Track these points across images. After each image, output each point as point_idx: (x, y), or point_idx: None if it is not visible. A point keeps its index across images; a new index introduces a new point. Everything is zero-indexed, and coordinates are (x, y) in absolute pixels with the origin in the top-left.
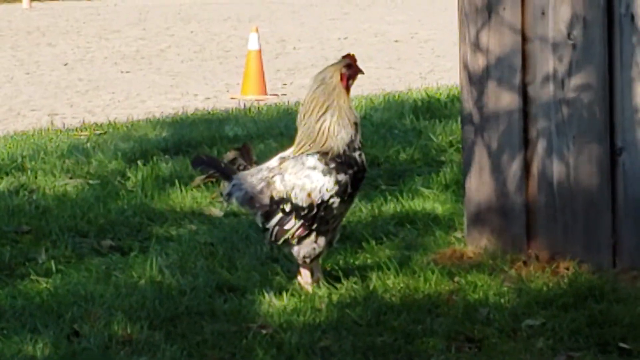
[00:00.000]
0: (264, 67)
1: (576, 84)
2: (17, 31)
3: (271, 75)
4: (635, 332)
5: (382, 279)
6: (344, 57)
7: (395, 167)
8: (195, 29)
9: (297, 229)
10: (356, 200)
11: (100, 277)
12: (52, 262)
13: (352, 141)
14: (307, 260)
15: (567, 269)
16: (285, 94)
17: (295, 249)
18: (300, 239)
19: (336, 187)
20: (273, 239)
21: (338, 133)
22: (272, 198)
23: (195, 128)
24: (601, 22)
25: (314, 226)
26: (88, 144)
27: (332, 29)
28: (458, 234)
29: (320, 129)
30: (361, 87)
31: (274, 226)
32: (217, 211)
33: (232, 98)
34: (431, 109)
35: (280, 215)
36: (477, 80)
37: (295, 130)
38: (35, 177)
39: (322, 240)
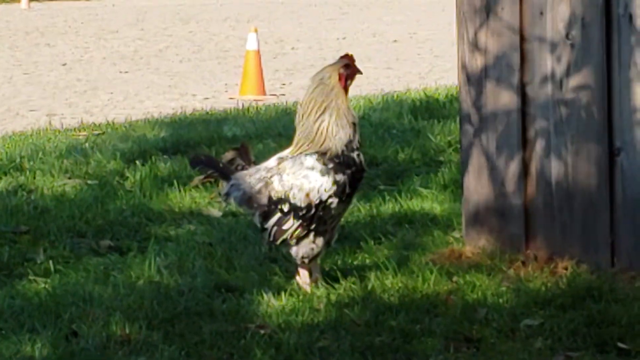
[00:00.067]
0: (263, 68)
1: (574, 84)
2: (16, 31)
3: (270, 75)
4: (633, 332)
5: (381, 279)
6: (342, 58)
7: (394, 167)
8: (193, 29)
9: (296, 229)
10: (354, 200)
11: (99, 277)
12: (51, 262)
13: (350, 141)
14: (306, 260)
15: (566, 269)
16: (283, 94)
17: (294, 249)
18: (299, 239)
19: (334, 187)
20: (271, 239)
21: (336, 133)
22: (270, 198)
23: (193, 128)
24: (599, 23)
25: (312, 226)
26: (86, 144)
27: (330, 29)
28: (456, 234)
29: (318, 129)
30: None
31: (272, 226)
32: (215, 211)
33: (230, 98)
34: (430, 109)
35: (278, 215)
36: (475, 80)
37: (294, 130)
38: (34, 177)
39: (320, 241)
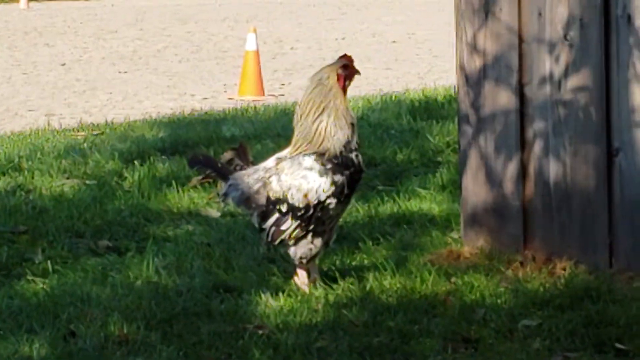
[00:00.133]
0: (262, 68)
1: (573, 85)
2: (15, 31)
3: (269, 75)
4: (631, 333)
5: (379, 280)
6: (340, 58)
7: (392, 167)
8: (192, 29)
9: (294, 230)
10: (353, 200)
11: (97, 277)
12: (49, 263)
13: (348, 142)
14: (304, 260)
15: (564, 269)
16: (282, 95)
17: (292, 250)
18: (297, 240)
19: (333, 188)
20: (269, 239)
21: (335, 134)
22: (268, 198)
23: (192, 128)
24: (598, 23)
25: (311, 227)
26: (85, 144)
27: (329, 30)
28: (455, 235)
29: (316, 129)
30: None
31: (271, 227)
32: (213, 212)
33: (229, 98)
34: (428, 109)
35: (276, 215)
36: (474, 81)
37: (292, 131)
38: (32, 177)
39: (318, 241)
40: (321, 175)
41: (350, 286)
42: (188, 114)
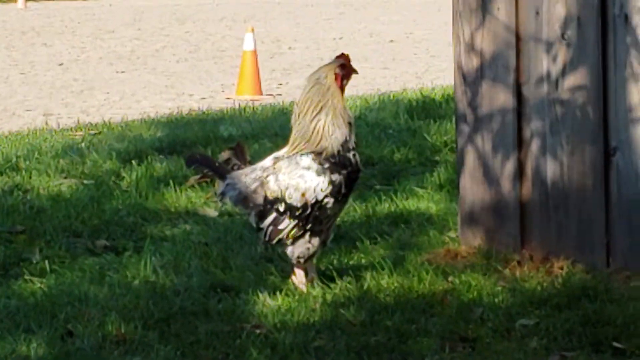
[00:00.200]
0: (259, 68)
1: (570, 84)
2: (12, 31)
3: (266, 75)
4: (628, 332)
5: (376, 279)
6: (337, 57)
7: (390, 167)
8: (190, 29)
9: (292, 229)
10: (350, 200)
11: (94, 277)
12: (46, 262)
13: (346, 141)
14: (301, 260)
15: (561, 268)
16: (280, 94)
17: (290, 249)
18: (295, 239)
19: (330, 187)
20: (267, 238)
21: (332, 133)
22: (266, 198)
23: (189, 128)
24: (595, 22)
25: (308, 226)
26: (82, 144)
27: (327, 29)
28: (452, 234)
29: (314, 128)
30: (356, 87)
31: (268, 226)
32: (211, 211)
33: (227, 98)
34: (426, 109)
35: (274, 215)
36: (471, 80)
37: (290, 130)
38: (30, 177)
39: (316, 240)
40: (319, 174)
41: (348, 285)
42: (186, 114)
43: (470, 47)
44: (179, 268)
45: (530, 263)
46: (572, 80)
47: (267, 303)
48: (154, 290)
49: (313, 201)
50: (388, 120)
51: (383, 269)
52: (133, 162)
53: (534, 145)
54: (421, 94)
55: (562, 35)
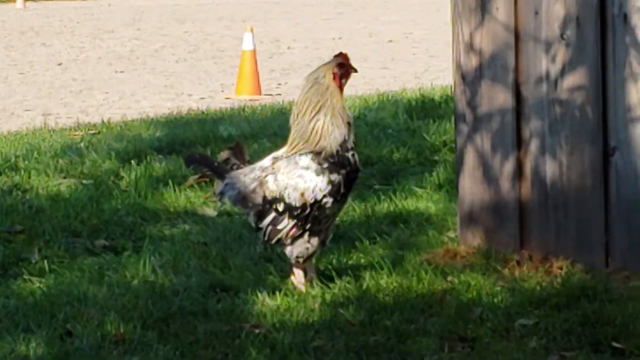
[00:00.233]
0: (259, 67)
1: (569, 84)
2: (11, 31)
3: (265, 75)
4: (627, 332)
5: (376, 279)
6: (336, 56)
7: (389, 166)
8: (189, 29)
9: (291, 229)
10: (349, 199)
11: (94, 277)
12: (45, 262)
13: (345, 141)
14: (300, 260)
15: (560, 268)
16: (279, 94)
17: (288, 249)
18: (294, 239)
19: (329, 187)
20: (266, 238)
21: (331, 132)
22: (265, 197)
23: (189, 128)
24: (594, 22)
25: (307, 226)
26: (82, 144)
27: (326, 29)
28: (451, 234)
29: (313, 128)
30: (355, 87)
31: (267, 226)
32: (210, 211)
33: (226, 98)
34: (425, 108)
35: (273, 214)
36: (470, 80)
37: (289, 130)
38: (29, 177)
39: (315, 240)
40: (318, 174)
41: (347, 285)
42: (185, 114)
43: (470, 47)
44: (178, 268)
45: (530, 263)
46: (571, 80)
47: (266, 303)
48: (153, 290)
49: (312, 201)
50: (387, 120)
51: (382, 268)
52: (132, 162)
53: (533, 145)
54: (420, 93)
55: (561, 35)
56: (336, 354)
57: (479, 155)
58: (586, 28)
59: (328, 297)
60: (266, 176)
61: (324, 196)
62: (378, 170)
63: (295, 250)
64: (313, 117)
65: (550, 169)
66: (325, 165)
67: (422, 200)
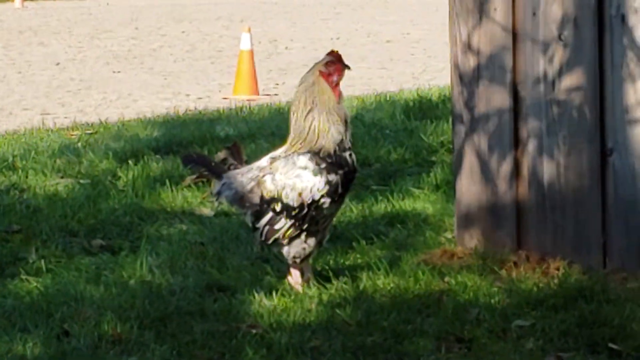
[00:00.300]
0: (256, 67)
1: (567, 85)
2: (9, 31)
3: (263, 75)
4: (624, 333)
5: (372, 279)
6: (327, 54)
7: (386, 167)
8: (187, 29)
9: (288, 229)
10: (347, 200)
11: (91, 276)
12: (43, 262)
13: (342, 140)
14: (297, 260)
15: (557, 269)
16: (277, 94)
17: (285, 249)
18: (291, 239)
19: (327, 187)
20: (263, 238)
21: (328, 130)
22: (262, 197)
23: (186, 128)
24: (592, 23)
25: (305, 226)
26: (79, 144)
27: (324, 29)
28: (448, 234)
29: (309, 127)
30: (353, 87)
31: (264, 226)
32: (207, 211)
33: (224, 98)
34: (422, 109)
35: (270, 214)
36: (468, 81)
37: (287, 130)
38: (26, 177)
39: (312, 241)
40: (315, 174)
41: (344, 286)
42: (182, 114)
43: (467, 48)
44: (175, 268)
45: (527, 264)
46: (569, 80)
47: (263, 303)
48: (150, 290)
49: (310, 201)
50: (385, 121)
51: (379, 269)
52: (129, 161)
53: (531, 146)
54: (418, 94)
55: (559, 36)
56: (333, 354)
57: (477, 155)
58: (584, 29)
59: (325, 297)
60: (264, 176)
61: (322, 196)
62: (375, 171)
63: (292, 250)
64: (307, 116)
65: (547, 169)
66: (323, 165)
67: (420, 201)
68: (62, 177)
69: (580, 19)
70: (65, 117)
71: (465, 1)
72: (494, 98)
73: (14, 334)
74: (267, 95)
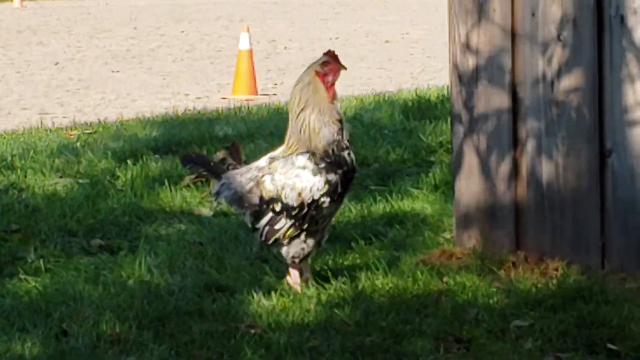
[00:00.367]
0: (255, 67)
1: (566, 85)
2: (8, 30)
3: (262, 75)
4: (623, 333)
5: (371, 279)
6: (324, 54)
7: (385, 167)
8: (186, 29)
9: (288, 229)
10: (345, 200)
11: (89, 276)
12: (41, 261)
13: (336, 139)
14: (296, 260)
15: (556, 270)
16: (275, 94)
17: (285, 249)
18: (290, 239)
19: (326, 187)
20: (263, 239)
21: (319, 130)
22: (261, 198)
23: (185, 128)
24: (591, 23)
25: (305, 226)
26: (78, 143)
27: (323, 29)
28: (447, 235)
29: (301, 127)
30: (352, 87)
31: (265, 226)
32: (206, 211)
33: (223, 98)
34: (421, 109)
35: (270, 215)
36: (466, 81)
37: (285, 130)
38: (25, 176)
39: (311, 241)
40: (315, 174)
41: (343, 286)
42: (181, 114)
43: (466, 48)
44: (173, 268)
45: (525, 264)
46: (568, 81)
47: (262, 303)
48: (148, 290)
49: (309, 201)
50: (383, 121)
51: (378, 269)
52: (128, 161)
53: (530, 146)
54: (417, 94)
55: (558, 36)
56: (331, 354)
57: (475, 156)
58: (583, 29)
59: (324, 297)
60: (263, 176)
61: (322, 196)
62: (374, 171)
63: (291, 250)
64: (299, 116)
65: (546, 170)
66: (322, 165)
67: (418, 201)
68: (60, 177)
69: (580, 19)
70: (64, 117)
71: (465, 1)
72: (492, 98)
73: (13, 333)
74: (266, 95)
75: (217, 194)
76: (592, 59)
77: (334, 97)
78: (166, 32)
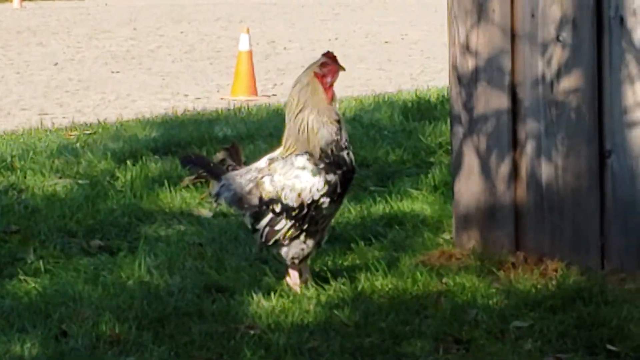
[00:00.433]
0: (255, 68)
1: (565, 86)
2: (8, 31)
3: (261, 76)
4: (623, 334)
5: (371, 280)
6: (322, 55)
7: (385, 168)
8: (185, 30)
9: (288, 230)
10: (345, 201)
11: (89, 277)
12: (41, 262)
13: (335, 140)
14: (296, 261)
15: (556, 270)
16: (275, 95)
17: (284, 250)
18: (290, 240)
19: (326, 187)
20: (263, 239)
21: (318, 131)
22: (261, 199)
23: (184, 128)
24: (590, 24)
25: (305, 226)
26: (77, 144)
27: (322, 30)
28: (446, 236)
29: (300, 127)
30: (351, 88)
31: (265, 227)
32: (206, 212)
33: (222, 99)
34: (421, 110)
35: (270, 215)
36: (466, 82)
37: (284, 131)
38: (25, 177)
39: (310, 241)
40: (314, 174)
41: (342, 287)
42: (181, 114)
43: (466, 49)
44: (173, 268)
45: (525, 265)
46: (567, 82)
47: (262, 304)
48: (148, 291)
49: (309, 201)
50: (383, 122)
51: (377, 270)
52: (128, 162)
53: (529, 147)
54: (416, 95)
55: (558, 37)
56: (331, 355)
57: (475, 157)
58: (582, 30)
59: (323, 298)
60: (262, 177)
61: (321, 196)
62: (374, 172)
63: (291, 251)
64: (297, 116)
65: (546, 170)
66: (322, 165)
67: (418, 202)
68: (60, 178)
69: (579, 20)
70: (64, 118)
71: (464, 2)
72: (492, 99)
73: (12, 334)
74: (266, 96)
75: (217, 195)
76: (592, 60)
77: (332, 98)
78: (165, 32)
